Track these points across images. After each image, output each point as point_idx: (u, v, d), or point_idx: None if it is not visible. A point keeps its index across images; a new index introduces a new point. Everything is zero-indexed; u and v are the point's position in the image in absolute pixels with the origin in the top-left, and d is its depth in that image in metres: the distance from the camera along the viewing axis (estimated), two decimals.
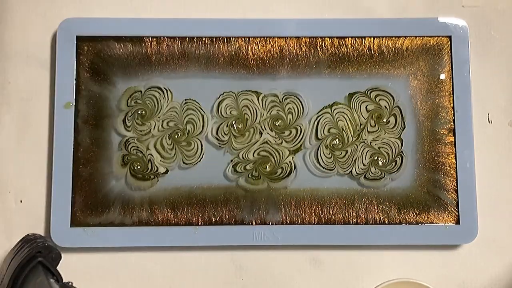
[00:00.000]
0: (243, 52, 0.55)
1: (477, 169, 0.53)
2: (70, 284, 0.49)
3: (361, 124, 0.54)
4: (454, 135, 0.54)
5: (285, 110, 0.54)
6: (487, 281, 0.54)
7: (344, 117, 0.54)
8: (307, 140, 0.54)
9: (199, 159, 0.54)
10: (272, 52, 0.55)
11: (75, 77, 0.53)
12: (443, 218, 0.53)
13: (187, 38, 0.54)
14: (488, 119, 0.56)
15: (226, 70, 0.54)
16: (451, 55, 0.54)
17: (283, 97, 0.54)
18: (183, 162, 0.53)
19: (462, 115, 0.54)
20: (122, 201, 0.53)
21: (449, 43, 0.55)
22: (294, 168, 0.53)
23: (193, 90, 0.54)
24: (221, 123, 0.54)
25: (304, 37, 0.55)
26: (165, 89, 0.54)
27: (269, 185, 0.53)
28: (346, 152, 0.54)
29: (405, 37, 0.55)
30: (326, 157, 0.54)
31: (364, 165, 0.54)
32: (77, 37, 0.54)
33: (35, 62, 0.55)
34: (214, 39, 0.54)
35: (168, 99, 0.54)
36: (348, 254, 0.54)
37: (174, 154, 0.53)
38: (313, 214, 0.53)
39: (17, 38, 0.55)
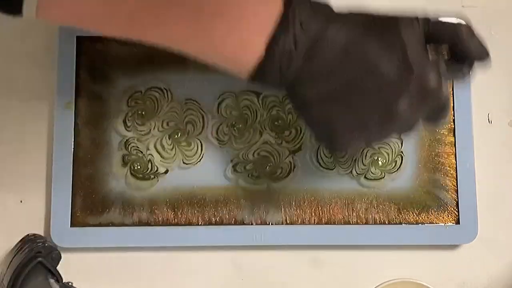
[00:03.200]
0: None
1: (477, 169, 0.53)
2: (70, 284, 0.49)
3: None
4: (454, 135, 0.54)
5: (285, 110, 0.54)
6: (487, 281, 0.54)
7: None
8: (307, 140, 0.54)
9: (199, 159, 0.53)
10: None
11: (75, 77, 0.54)
12: (443, 218, 0.53)
13: None
14: (488, 119, 0.56)
15: None
16: None
17: (284, 97, 0.54)
18: (183, 162, 0.53)
19: (462, 115, 0.54)
20: (122, 201, 0.53)
21: None
22: (294, 168, 0.53)
23: (193, 90, 0.54)
24: (221, 123, 0.54)
25: None
26: (165, 89, 0.54)
27: (269, 185, 0.53)
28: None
29: None
30: (326, 157, 0.54)
31: (364, 165, 0.53)
32: (77, 37, 0.54)
33: (36, 62, 0.55)
34: None
35: (168, 99, 0.54)
36: (348, 254, 0.53)
37: (174, 154, 0.53)
38: (313, 214, 0.53)
39: (17, 38, 0.55)
